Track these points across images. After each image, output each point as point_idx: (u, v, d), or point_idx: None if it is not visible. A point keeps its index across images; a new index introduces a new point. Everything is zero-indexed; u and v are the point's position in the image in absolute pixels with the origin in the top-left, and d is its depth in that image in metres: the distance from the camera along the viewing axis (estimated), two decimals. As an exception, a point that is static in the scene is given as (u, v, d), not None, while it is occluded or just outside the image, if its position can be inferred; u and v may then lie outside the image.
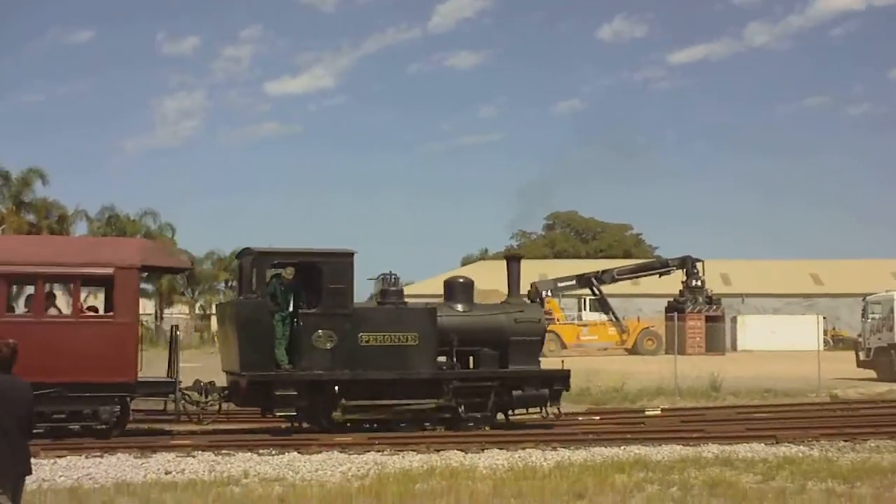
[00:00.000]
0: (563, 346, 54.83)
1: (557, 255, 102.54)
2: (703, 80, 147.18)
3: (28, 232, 56.80)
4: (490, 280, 74.42)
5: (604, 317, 61.10)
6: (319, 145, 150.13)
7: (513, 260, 21.60)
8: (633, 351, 58.25)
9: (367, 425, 19.13)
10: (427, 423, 19.43)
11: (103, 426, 18.10)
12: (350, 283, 19.28)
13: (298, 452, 16.48)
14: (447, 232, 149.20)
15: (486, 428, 19.41)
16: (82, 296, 19.58)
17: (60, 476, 14.35)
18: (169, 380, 18.96)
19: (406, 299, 20.52)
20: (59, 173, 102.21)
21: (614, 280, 61.44)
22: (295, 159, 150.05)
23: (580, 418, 22.09)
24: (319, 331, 18.75)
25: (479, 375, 19.77)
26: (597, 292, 61.22)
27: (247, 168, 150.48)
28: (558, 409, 20.40)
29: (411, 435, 18.36)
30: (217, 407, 19.44)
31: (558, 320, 58.54)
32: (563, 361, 20.64)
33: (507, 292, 21.21)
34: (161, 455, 16.20)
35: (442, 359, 20.30)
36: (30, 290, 19.20)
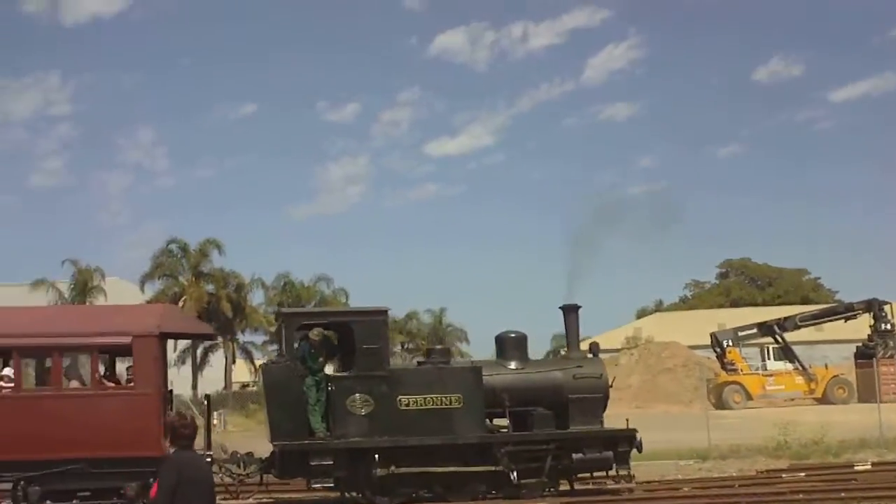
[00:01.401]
0: (749, 398, 54.94)
1: (733, 304, 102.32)
2: (867, 115, 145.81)
3: (208, 302, 59.81)
4: (666, 332, 75.41)
5: (789, 365, 59.42)
6: (483, 203, 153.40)
7: (570, 310, 20.76)
8: (822, 400, 56.40)
9: (415, 495, 18.59)
10: (482, 492, 18.82)
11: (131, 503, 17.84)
12: (385, 343, 18.77)
13: None
14: (620, 285, 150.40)
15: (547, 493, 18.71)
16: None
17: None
18: (200, 453, 18.54)
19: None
20: (232, 243, 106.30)
21: (797, 327, 60.22)
22: (460, 217, 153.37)
23: (784, 475, 21.33)
24: (354, 395, 18.27)
25: (533, 438, 19.01)
26: (780, 340, 60.08)
27: (413, 229, 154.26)
28: (629, 472, 19.55)
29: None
30: (259, 478, 19.08)
31: (742, 371, 57.99)
32: (627, 420, 19.79)
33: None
34: None
35: (502, 421, 19.75)
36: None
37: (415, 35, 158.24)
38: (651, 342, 72.73)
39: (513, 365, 19.79)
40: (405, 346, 77.60)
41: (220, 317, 61.96)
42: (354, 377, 18.47)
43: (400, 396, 18.34)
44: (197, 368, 62.78)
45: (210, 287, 63.52)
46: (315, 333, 18.71)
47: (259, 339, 67.91)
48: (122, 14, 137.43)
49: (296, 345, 18.74)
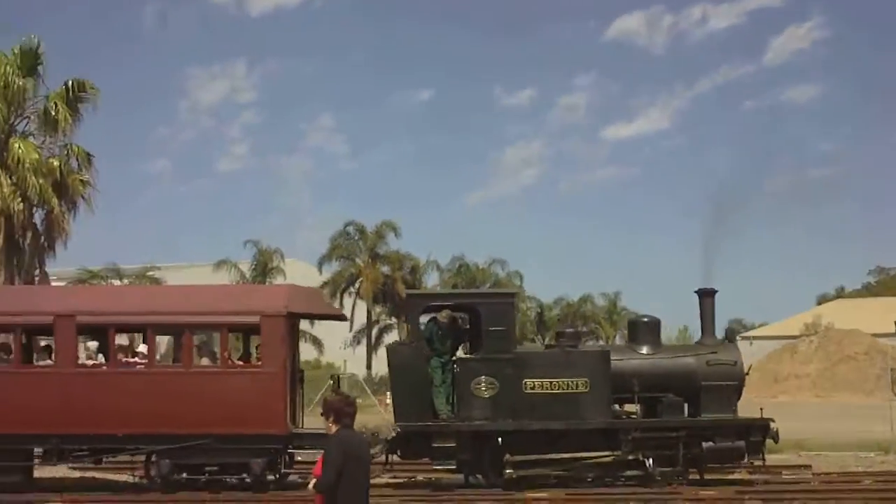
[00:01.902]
0: None
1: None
2: None
3: (383, 283, 61.71)
4: (848, 319, 73.97)
5: None
6: (658, 187, 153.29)
7: (705, 294, 20.21)
8: None
9: (541, 481, 18.50)
10: (608, 479, 18.62)
11: (255, 479, 18.26)
12: (512, 325, 18.69)
13: None
14: (801, 270, 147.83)
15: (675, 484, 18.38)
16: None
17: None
18: (323, 431, 18.77)
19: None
20: (407, 226, 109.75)
21: None
22: (635, 202, 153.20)
23: None
24: (479, 377, 18.25)
25: (662, 425, 18.65)
26: None
27: (587, 214, 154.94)
28: (762, 460, 19.09)
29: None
30: (384, 458, 19.25)
31: None
32: (761, 409, 19.28)
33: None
34: None
35: (631, 407, 19.51)
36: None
37: (592, 18, 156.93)
38: (831, 329, 70.98)
39: (644, 350, 19.44)
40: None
41: (395, 298, 62.92)
42: (480, 359, 18.46)
43: (525, 380, 18.23)
44: (371, 349, 63.88)
45: (386, 269, 64.65)
46: (443, 315, 18.73)
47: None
48: (305, 3, 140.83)
49: (422, 326, 18.88)
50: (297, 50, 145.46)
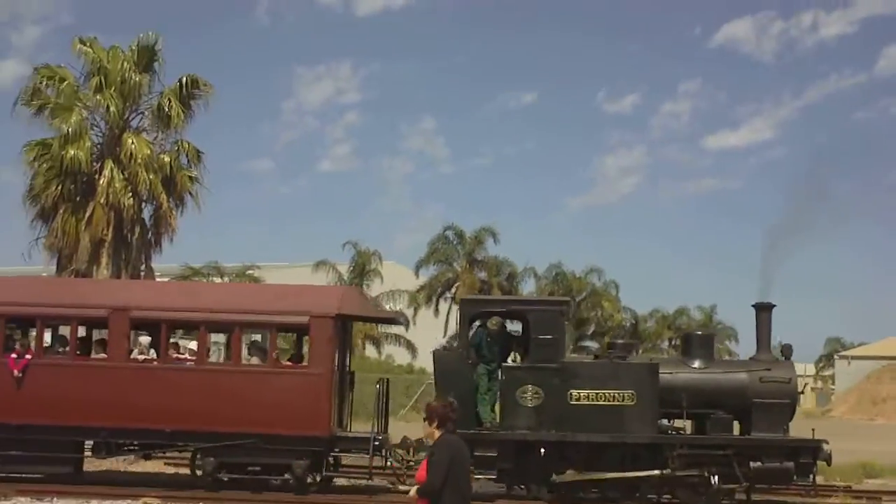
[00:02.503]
0: None
1: None
2: None
3: (480, 289, 60.96)
4: None
5: None
6: (761, 200, 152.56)
7: (762, 309, 20.01)
8: None
9: (582, 494, 18.48)
10: (653, 497, 18.54)
11: (297, 481, 18.46)
12: (561, 335, 18.66)
13: None
14: None
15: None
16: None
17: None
18: (366, 435, 19.04)
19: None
20: (505, 231, 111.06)
21: None
22: (737, 213, 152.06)
23: None
24: (525, 386, 18.25)
25: (708, 442, 18.49)
26: None
27: (686, 225, 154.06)
28: (813, 485, 18.85)
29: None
30: None
31: None
32: (813, 430, 19.00)
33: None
34: None
35: (681, 423, 19.41)
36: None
37: (699, 25, 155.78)
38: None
39: (696, 364, 19.31)
40: (672, 343, 77.15)
41: None
42: (526, 368, 18.47)
43: (571, 390, 18.20)
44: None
45: (482, 274, 64.45)
46: (493, 322, 18.75)
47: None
48: (410, 4, 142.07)
49: (472, 332, 18.95)
50: (401, 51, 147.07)
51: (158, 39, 36.78)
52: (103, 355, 19.33)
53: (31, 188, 35.65)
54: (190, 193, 37.08)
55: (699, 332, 20.17)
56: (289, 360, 20.41)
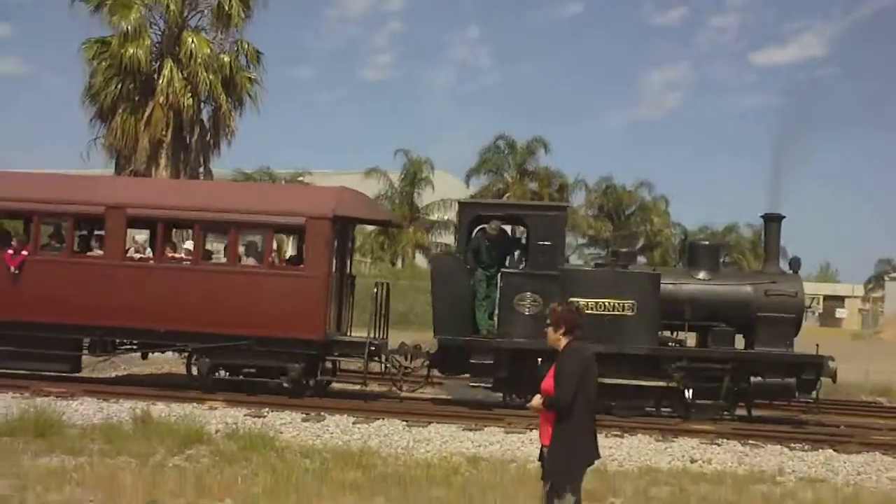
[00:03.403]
0: None
1: None
2: None
3: (531, 200, 60.38)
4: None
5: None
6: (805, 117, 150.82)
7: (771, 220, 19.62)
8: None
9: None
10: (650, 407, 18.40)
11: (292, 384, 18.49)
12: (561, 241, 18.37)
13: (834, 451, 15.69)
14: None
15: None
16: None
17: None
18: (362, 340, 18.99)
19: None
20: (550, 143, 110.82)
21: None
22: (783, 132, 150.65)
23: None
24: (524, 293, 18.07)
25: (707, 355, 18.27)
26: None
27: (736, 141, 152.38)
28: (815, 401, 18.63)
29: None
30: (426, 372, 19.33)
31: None
32: (817, 346, 18.77)
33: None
34: (683, 440, 16.04)
35: (685, 335, 19.20)
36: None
37: None
38: None
39: (701, 275, 19.03)
40: (722, 260, 76.21)
41: None
42: (525, 274, 18.26)
43: (571, 298, 17.85)
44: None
45: (533, 185, 64.34)
46: (492, 226, 18.49)
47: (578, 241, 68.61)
48: None
49: (472, 237, 18.73)
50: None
51: None
52: (100, 252, 19.28)
53: (90, 87, 35.76)
54: (249, 95, 37.05)
55: (705, 242, 19.84)
56: (289, 261, 20.32)
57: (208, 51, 35.27)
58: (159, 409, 16.14)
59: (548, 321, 7.86)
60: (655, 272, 18.69)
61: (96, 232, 20.03)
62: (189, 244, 19.74)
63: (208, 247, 20.37)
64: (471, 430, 16.00)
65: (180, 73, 34.88)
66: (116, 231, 19.03)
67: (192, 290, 18.59)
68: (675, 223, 73.25)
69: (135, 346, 19.70)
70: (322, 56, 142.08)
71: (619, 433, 16.23)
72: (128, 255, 19.20)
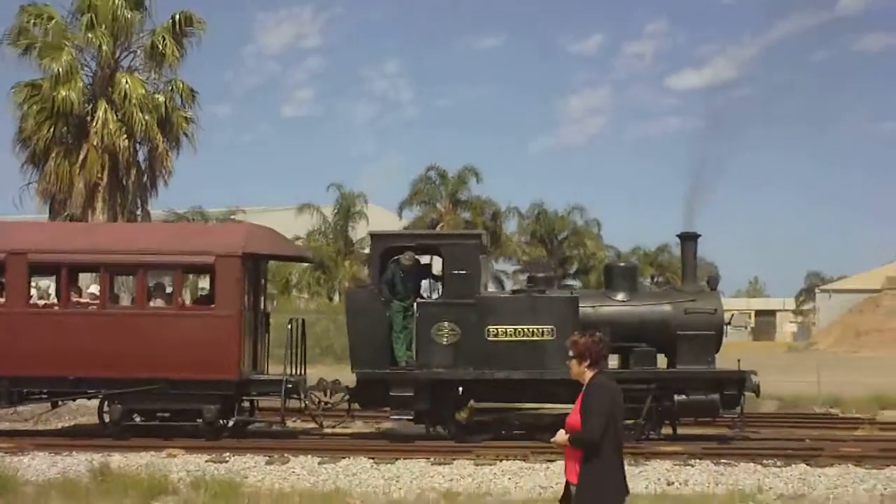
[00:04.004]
0: None
1: None
2: None
3: (464, 229, 60.17)
4: None
5: None
6: (726, 138, 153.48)
7: (687, 238, 19.70)
8: None
9: (504, 432, 18.20)
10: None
11: (208, 426, 18.09)
12: (476, 269, 18.20)
13: (807, 465, 15.55)
14: (881, 223, 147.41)
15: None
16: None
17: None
18: (279, 378, 18.65)
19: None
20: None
21: None
22: (702, 152, 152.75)
23: None
24: (441, 323, 17.88)
25: (629, 376, 18.14)
26: None
27: (662, 162, 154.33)
28: (739, 417, 18.61)
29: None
30: (347, 407, 19.04)
31: None
32: (739, 361, 18.72)
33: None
34: (656, 463, 15.80)
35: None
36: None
37: None
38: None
39: (619, 296, 19.00)
40: (654, 280, 77.58)
41: None
42: (441, 304, 18.10)
43: (488, 326, 17.80)
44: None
45: (466, 214, 64.53)
46: (406, 257, 18.32)
47: (511, 268, 68.97)
48: None
49: (386, 269, 18.50)
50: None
51: None
52: (1, 300, 18.74)
53: (21, 131, 34.97)
54: (185, 134, 36.57)
55: (622, 264, 19.82)
56: (198, 301, 19.94)
57: (143, 91, 34.80)
58: (116, 459, 15.50)
59: (570, 353, 7.53)
60: (573, 296, 18.60)
61: (-1, 279, 19.51)
62: (95, 288, 19.25)
63: (125, 290, 19.94)
64: (440, 464, 15.66)
65: (115, 115, 34.37)
66: (18, 277, 18.50)
67: (99, 334, 18.11)
68: (608, 246, 73.75)
69: (44, 395, 19.15)
70: (242, 94, 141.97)
71: (555, 458, 16.03)
72: (31, 301, 18.67)
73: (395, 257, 18.48)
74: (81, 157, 34.32)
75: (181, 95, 36.64)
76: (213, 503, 12.55)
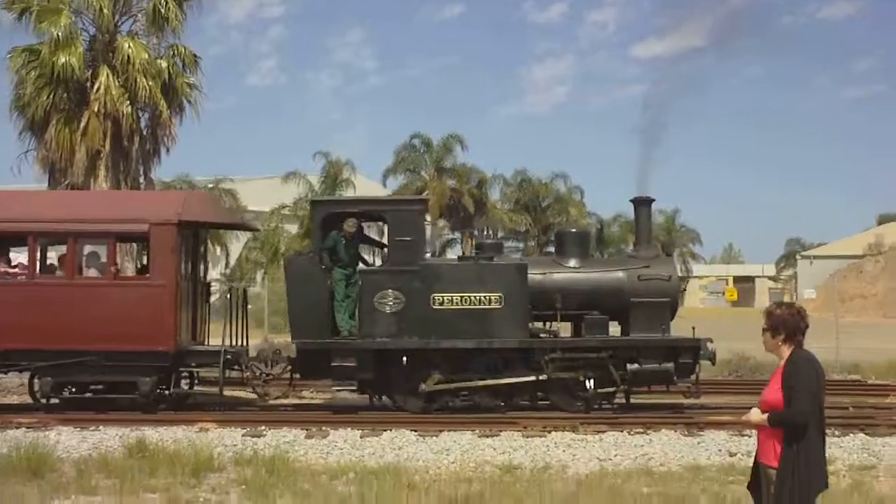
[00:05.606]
0: None
1: None
2: None
3: (450, 197, 62.24)
4: None
5: None
6: (693, 105, 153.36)
7: (641, 203, 19.32)
8: None
9: (450, 402, 17.84)
10: (525, 401, 17.95)
11: (143, 398, 17.67)
12: (421, 235, 17.84)
13: (866, 434, 15.40)
14: (860, 189, 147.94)
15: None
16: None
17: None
18: (216, 349, 18.21)
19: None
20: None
21: None
22: (673, 119, 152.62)
23: None
24: (385, 291, 17.49)
25: (581, 345, 17.86)
26: None
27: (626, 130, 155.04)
28: (694, 384, 18.27)
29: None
30: (289, 378, 18.66)
31: None
32: (693, 328, 18.46)
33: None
34: (711, 433, 15.45)
35: (559, 326, 18.75)
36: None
37: None
38: (899, 249, 71.37)
39: (571, 263, 18.63)
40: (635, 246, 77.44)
41: (462, 212, 63.94)
42: (385, 271, 17.74)
43: (434, 294, 17.40)
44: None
45: (452, 182, 64.75)
46: (349, 224, 17.89)
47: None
48: None
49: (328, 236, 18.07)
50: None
51: None
52: (-70, 271, 18.20)
53: (19, 98, 34.14)
54: (188, 100, 35.88)
55: (573, 230, 19.46)
56: (138, 271, 19.44)
57: (146, 56, 34.04)
58: (149, 434, 15.03)
59: (764, 325, 7.12)
60: (522, 262, 18.23)
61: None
62: (23, 257, 18.70)
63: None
64: (487, 436, 15.37)
65: (117, 81, 33.63)
66: (-54, 247, 17.97)
67: (29, 305, 17.61)
68: (591, 213, 74.51)
69: (-26, 369, 18.65)
70: (206, 64, 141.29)
71: (642, 430, 15.85)
72: (-42, 272, 18.14)
73: (338, 224, 18.04)
74: (83, 124, 33.53)
75: (183, 60, 35.97)
76: (271, 481, 11.99)
